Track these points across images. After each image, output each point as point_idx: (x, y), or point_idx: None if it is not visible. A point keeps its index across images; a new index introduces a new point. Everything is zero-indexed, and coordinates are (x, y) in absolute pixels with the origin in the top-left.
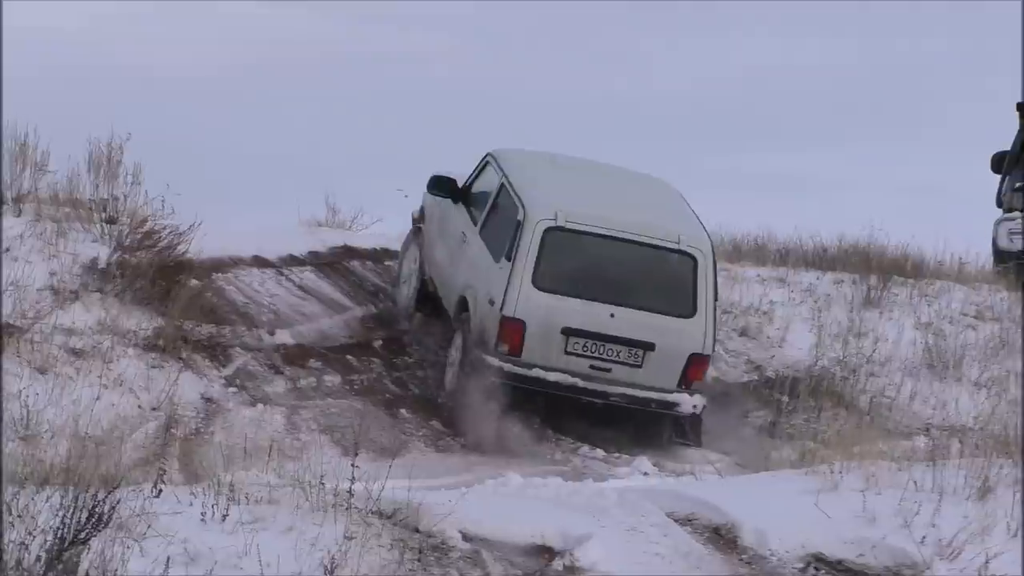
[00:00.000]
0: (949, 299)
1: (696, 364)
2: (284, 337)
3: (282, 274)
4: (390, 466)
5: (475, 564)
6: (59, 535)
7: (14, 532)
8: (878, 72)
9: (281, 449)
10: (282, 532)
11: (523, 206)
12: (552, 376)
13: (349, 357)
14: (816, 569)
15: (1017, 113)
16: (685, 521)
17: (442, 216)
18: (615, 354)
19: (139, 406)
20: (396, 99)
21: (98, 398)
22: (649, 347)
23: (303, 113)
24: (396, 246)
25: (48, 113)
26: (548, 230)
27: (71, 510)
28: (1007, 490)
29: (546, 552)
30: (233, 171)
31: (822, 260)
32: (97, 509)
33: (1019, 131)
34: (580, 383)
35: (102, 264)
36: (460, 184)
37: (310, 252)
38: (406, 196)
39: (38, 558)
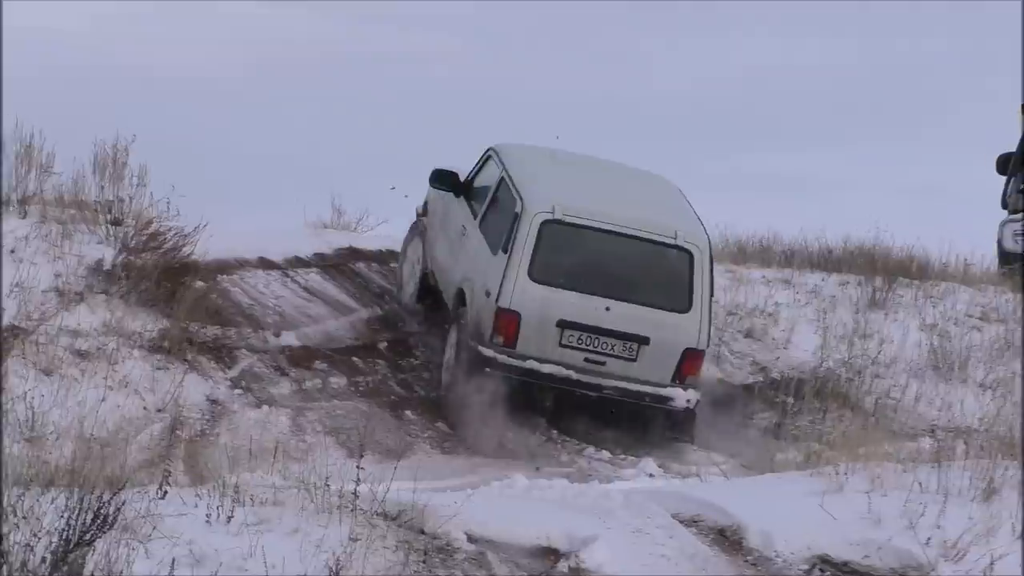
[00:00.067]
0: (954, 300)
1: (691, 359)
2: (289, 339)
3: (287, 276)
4: (395, 468)
5: (480, 566)
6: (64, 537)
7: (19, 534)
8: (878, 72)
9: (286, 451)
10: (287, 534)
11: (521, 199)
12: (546, 368)
13: (355, 359)
14: (821, 571)
15: (1020, 115)
16: (691, 522)
17: (444, 210)
18: (610, 347)
19: (144, 408)
20: (397, 99)
21: (103, 400)
22: (644, 341)
23: (305, 113)
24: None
25: (52, 115)
26: (545, 223)
27: (76, 512)
28: (1012, 491)
29: (552, 554)
30: (237, 172)
31: (827, 262)
32: (102, 511)
33: None
34: (574, 376)
35: (107, 266)
36: (462, 178)
37: (315, 254)
38: (406, 196)
39: (43, 559)
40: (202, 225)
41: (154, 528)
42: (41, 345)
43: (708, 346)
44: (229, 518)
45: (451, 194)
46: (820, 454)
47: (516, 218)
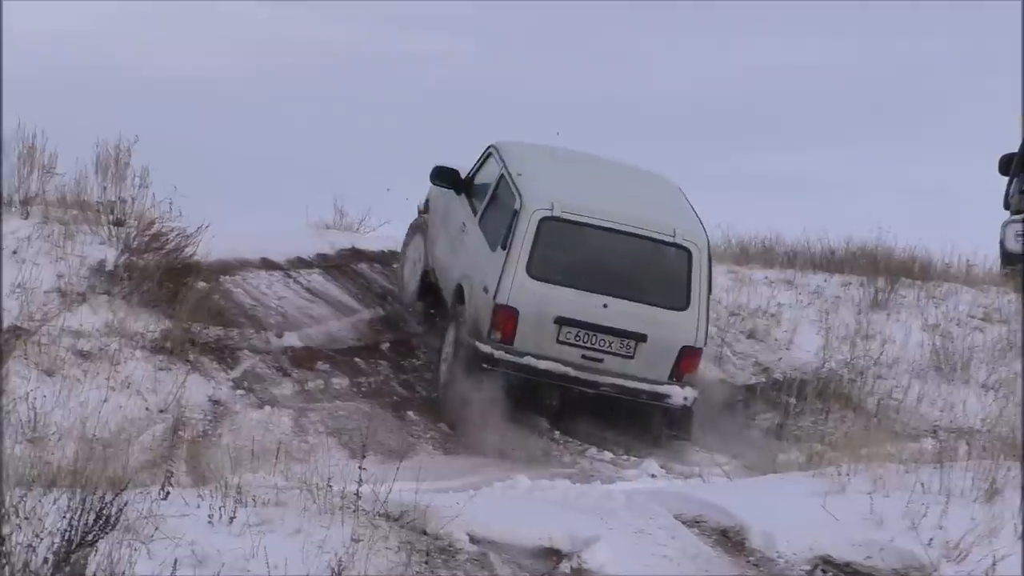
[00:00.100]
0: (957, 301)
1: (688, 357)
2: (292, 340)
3: (290, 276)
4: (398, 468)
5: (483, 566)
6: (66, 537)
7: (21, 534)
8: (878, 72)
9: (288, 451)
10: (289, 534)
11: (520, 196)
12: (543, 364)
13: (357, 360)
14: (824, 571)
15: (1021, 121)
16: (693, 523)
17: (445, 207)
18: (607, 344)
19: (146, 408)
20: (398, 99)
21: (105, 400)
22: (641, 338)
23: (307, 114)
24: None
25: (55, 116)
26: (544, 220)
27: (78, 512)
28: (1014, 492)
29: (554, 554)
30: (239, 172)
31: (830, 262)
32: (104, 511)
33: None
34: (571, 372)
35: (110, 266)
36: (463, 175)
37: (318, 254)
38: (407, 199)
39: (45, 560)
40: (204, 226)
41: (156, 529)
42: (43, 346)
43: (706, 344)
44: (231, 519)
45: (452, 192)
46: (822, 455)
47: (515, 215)
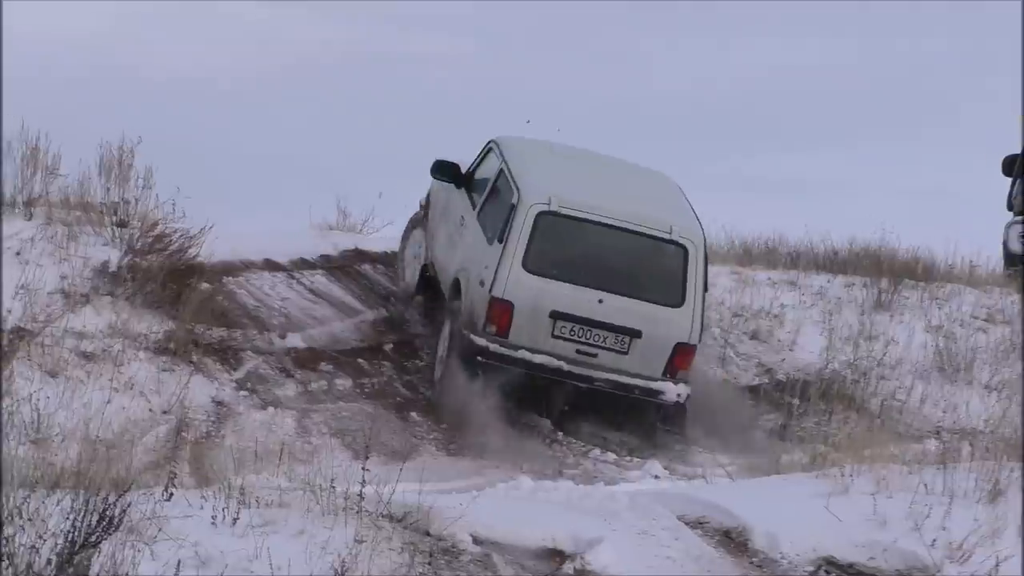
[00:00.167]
0: (960, 302)
1: (682, 353)
2: (295, 341)
3: (293, 277)
4: (401, 469)
5: (486, 567)
6: (70, 538)
7: (25, 535)
8: (878, 72)
9: (292, 452)
10: (293, 535)
11: (518, 190)
12: (538, 358)
13: (360, 361)
14: (827, 572)
15: (1021, 122)
16: (696, 524)
17: (445, 201)
18: (602, 340)
19: (150, 409)
20: (399, 100)
21: (109, 401)
22: (636, 334)
23: (309, 114)
24: None
25: (58, 117)
26: (541, 214)
27: (82, 513)
28: (1018, 493)
29: (557, 555)
30: (241, 173)
31: (833, 263)
32: (108, 512)
33: None
34: (565, 367)
35: (113, 267)
36: (464, 170)
37: (321, 255)
38: (405, 207)
39: (48, 561)
40: (207, 227)
41: (160, 530)
42: (47, 347)
43: (700, 341)
44: (235, 520)
45: (452, 186)
46: (826, 456)
47: (512, 209)
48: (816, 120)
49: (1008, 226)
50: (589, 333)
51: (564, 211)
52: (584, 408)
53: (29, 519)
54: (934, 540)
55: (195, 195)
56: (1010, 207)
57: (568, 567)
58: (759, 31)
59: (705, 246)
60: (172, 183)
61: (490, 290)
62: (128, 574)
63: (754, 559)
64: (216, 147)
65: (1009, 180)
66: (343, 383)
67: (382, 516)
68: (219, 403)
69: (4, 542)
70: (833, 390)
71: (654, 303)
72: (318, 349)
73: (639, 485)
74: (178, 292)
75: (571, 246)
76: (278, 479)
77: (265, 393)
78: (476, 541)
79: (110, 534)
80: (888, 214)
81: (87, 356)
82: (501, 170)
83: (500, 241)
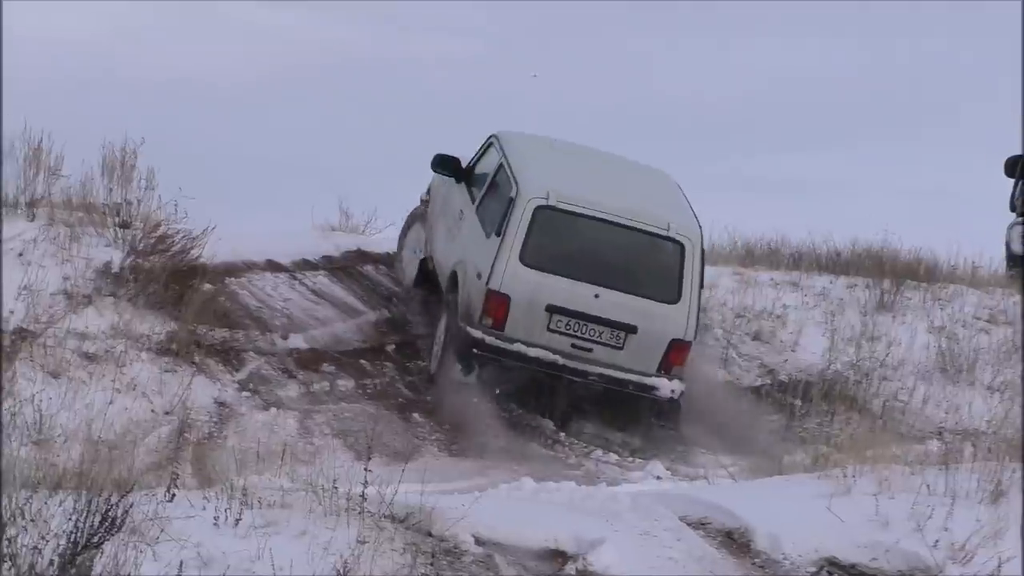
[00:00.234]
0: (962, 303)
1: (677, 349)
2: (297, 341)
3: (295, 278)
4: (403, 470)
5: (488, 568)
6: (72, 539)
7: (27, 536)
8: (878, 72)
9: (294, 453)
10: (295, 536)
11: (517, 184)
12: (533, 352)
13: (362, 361)
14: (829, 573)
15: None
16: (698, 525)
17: (445, 195)
18: (597, 334)
19: (152, 410)
20: (401, 101)
21: (111, 402)
22: (631, 330)
23: (311, 116)
24: None
25: (61, 119)
26: (539, 208)
27: (84, 514)
28: (1019, 494)
29: (559, 556)
30: (243, 174)
31: (835, 264)
32: (110, 513)
33: None
34: (560, 361)
35: (115, 268)
36: (464, 165)
37: (323, 256)
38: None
39: (51, 562)
40: (210, 228)
41: (162, 531)
42: (49, 348)
43: (695, 338)
44: (237, 521)
45: (452, 180)
46: (828, 456)
47: (511, 203)
48: (816, 120)
49: (1011, 227)
50: (585, 328)
51: (562, 206)
52: (586, 409)
53: (31, 520)
54: (936, 541)
55: (197, 196)
56: (1013, 208)
57: (570, 568)
58: (759, 31)
59: (702, 243)
60: (174, 184)
61: (487, 283)
62: (130, 575)
63: (756, 560)
64: (218, 148)
65: (1012, 181)
66: (345, 384)
67: (384, 517)
68: (221, 404)
69: (6, 543)
70: (835, 391)
71: (650, 299)
72: (320, 350)
73: (641, 486)
74: (180, 293)
75: (568, 241)
76: (280, 480)
77: (267, 394)
78: (478, 542)
79: (112, 535)
80: (889, 214)
81: (89, 357)
82: (501, 164)
83: (498, 234)
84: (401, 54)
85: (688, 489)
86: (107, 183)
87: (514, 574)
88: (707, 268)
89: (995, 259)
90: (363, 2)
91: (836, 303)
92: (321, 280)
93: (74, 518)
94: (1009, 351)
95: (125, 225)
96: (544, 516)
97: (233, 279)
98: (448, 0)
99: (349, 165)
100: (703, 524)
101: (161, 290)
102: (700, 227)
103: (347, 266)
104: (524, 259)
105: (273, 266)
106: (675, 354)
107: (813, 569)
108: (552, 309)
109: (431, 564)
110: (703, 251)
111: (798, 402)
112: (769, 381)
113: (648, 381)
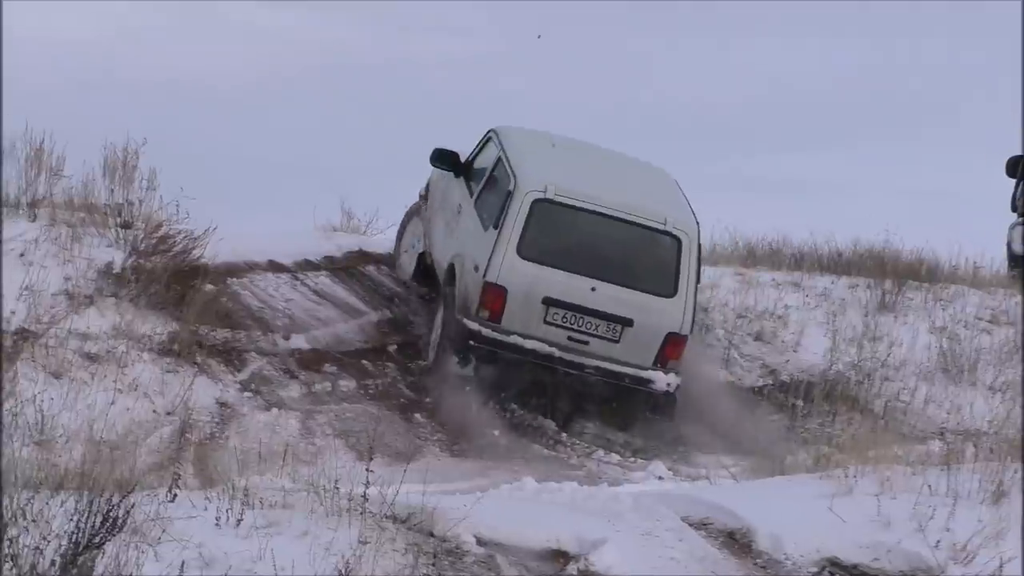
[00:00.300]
0: (964, 303)
1: (673, 343)
2: (299, 342)
3: (297, 279)
4: (405, 470)
5: (490, 568)
6: (74, 540)
7: (29, 537)
8: (879, 72)
9: (296, 454)
10: (297, 537)
11: (515, 177)
12: (529, 344)
13: (364, 362)
14: (831, 573)
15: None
16: (700, 525)
17: (444, 189)
18: (594, 327)
19: (154, 411)
20: (402, 102)
21: (113, 403)
22: (627, 323)
23: (312, 116)
24: None
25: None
26: (536, 201)
27: (86, 515)
28: (1021, 494)
29: (561, 556)
30: (245, 175)
31: (837, 264)
32: (112, 514)
33: None
34: (556, 353)
35: (117, 269)
36: (463, 159)
37: (325, 257)
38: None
39: (52, 562)
40: (211, 228)
41: (163, 531)
42: (51, 348)
43: (691, 332)
44: (239, 521)
45: (451, 175)
46: (830, 457)
47: (509, 195)
48: (816, 120)
49: (1012, 227)
50: (581, 320)
51: (560, 199)
52: (588, 409)
53: (33, 520)
54: (938, 541)
55: (199, 196)
56: (1014, 208)
57: (572, 568)
58: (759, 31)
59: (699, 238)
60: (176, 184)
61: (484, 275)
62: (132, 575)
63: (758, 560)
64: (219, 148)
65: (1013, 181)
66: (347, 384)
67: (386, 517)
68: (223, 404)
69: (8, 543)
70: (837, 391)
71: (647, 293)
72: (322, 350)
73: (643, 486)
74: (182, 293)
75: (566, 234)
76: (282, 480)
77: (269, 394)
78: (480, 542)
79: (114, 535)
80: (889, 215)
81: (91, 357)
82: (499, 158)
83: (496, 227)
84: (401, 54)
85: (690, 489)
86: (109, 183)
87: (516, 574)
88: (709, 268)
89: (997, 259)
90: (363, 2)
91: (838, 303)
92: (323, 280)
93: (76, 518)
94: (1011, 351)
95: (127, 225)
96: (546, 516)
97: (235, 279)
98: (448, 0)
99: (350, 165)
100: (705, 524)
101: (163, 290)
102: (697, 222)
103: (349, 266)
104: (521, 252)
105: (275, 266)
106: (671, 348)
107: (815, 569)
108: (549, 302)
109: (433, 564)
110: (700, 246)
111: (800, 402)
112: (771, 381)
113: (644, 374)
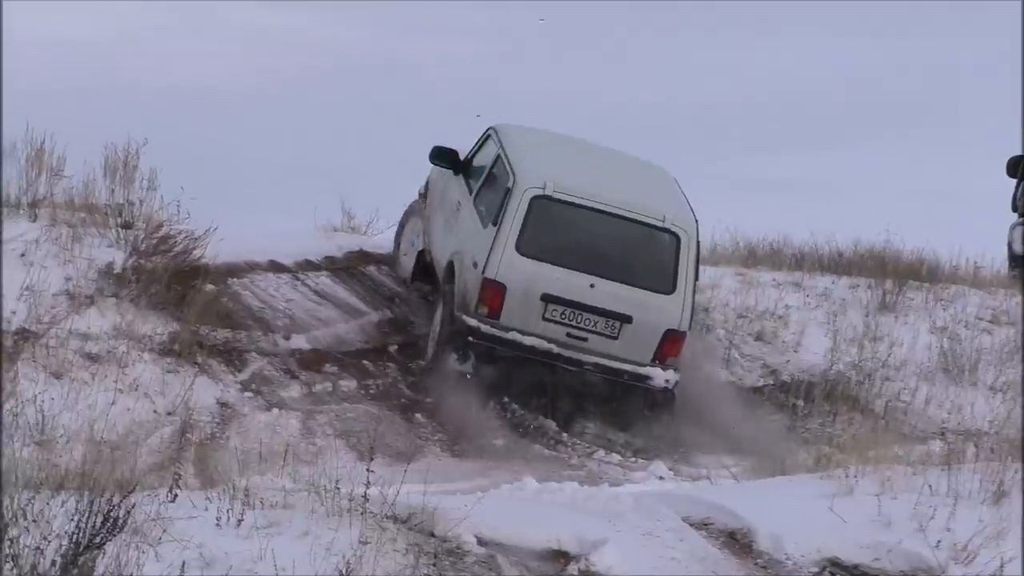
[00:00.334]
0: (964, 303)
1: (672, 340)
2: (300, 342)
3: (298, 279)
4: (405, 471)
5: (490, 568)
6: (74, 540)
7: (29, 537)
8: (879, 73)
9: (296, 454)
10: (297, 537)
11: (514, 174)
12: (528, 340)
13: (365, 362)
14: (832, 573)
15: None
16: (701, 525)
17: (443, 187)
18: (592, 324)
19: (154, 411)
20: (403, 102)
21: (113, 403)
22: (626, 320)
23: (313, 117)
24: None
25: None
26: (535, 198)
27: (86, 515)
28: (1022, 494)
29: (562, 557)
30: (246, 175)
31: (838, 264)
32: (112, 514)
33: None
34: (555, 349)
35: (118, 269)
36: (462, 157)
37: (326, 257)
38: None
39: (53, 563)
40: (212, 228)
41: (164, 531)
42: (51, 348)
43: (690, 328)
44: (239, 521)
45: (450, 172)
46: (830, 457)
47: (508, 192)
48: (816, 120)
49: (1013, 227)
50: (580, 317)
51: (559, 196)
52: (589, 410)
53: (33, 520)
54: (939, 541)
55: (199, 196)
56: (1015, 208)
57: (573, 568)
58: (759, 31)
59: (698, 235)
60: (176, 184)
61: (483, 272)
62: (133, 575)
63: (759, 560)
64: (219, 148)
65: (1013, 181)
66: (348, 384)
67: (387, 517)
68: (224, 404)
69: (9, 543)
70: (837, 391)
71: (645, 289)
72: (323, 351)
73: (644, 486)
74: (183, 293)
75: (565, 231)
76: (282, 480)
77: (270, 394)
78: (481, 542)
79: (114, 535)
80: (889, 215)
81: (92, 358)
82: (498, 156)
83: (495, 224)
84: (401, 54)
85: (691, 489)
86: (109, 184)
87: (516, 574)
88: (710, 269)
89: (997, 259)
90: (363, 2)
91: (838, 303)
92: (323, 280)
93: (76, 518)
94: (1011, 351)
95: (127, 226)
96: (546, 516)
97: (235, 279)
98: (448, 0)
99: (350, 165)
100: (706, 524)
101: (163, 291)
102: (696, 219)
103: (349, 266)
104: (520, 248)
105: (275, 267)
106: (670, 344)
107: (815, 569)
108: (548, 298)
109: (433, 565)
110: (699, 243)
111: (800, 402)
112: (771, 381)
113: (643, 371)
